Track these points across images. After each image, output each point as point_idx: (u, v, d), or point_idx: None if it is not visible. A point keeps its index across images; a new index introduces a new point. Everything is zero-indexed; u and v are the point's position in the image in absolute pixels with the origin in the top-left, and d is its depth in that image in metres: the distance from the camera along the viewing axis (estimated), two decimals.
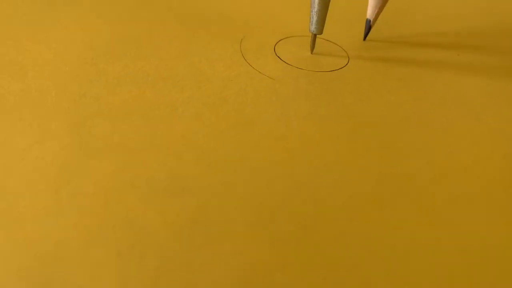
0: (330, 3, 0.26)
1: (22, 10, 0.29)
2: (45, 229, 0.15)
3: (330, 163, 0.19)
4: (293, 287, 0.14)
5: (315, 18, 0.26)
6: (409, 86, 0.26)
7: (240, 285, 0.14)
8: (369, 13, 0.29)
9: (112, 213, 0.16)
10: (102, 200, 0.16)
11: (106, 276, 0.14)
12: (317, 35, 0.27)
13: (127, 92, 0.22)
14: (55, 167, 0.17)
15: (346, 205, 0.17)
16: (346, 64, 0.27)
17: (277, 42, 0.29)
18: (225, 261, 0.15)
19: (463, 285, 0.15)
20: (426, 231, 0.17)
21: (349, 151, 0.20)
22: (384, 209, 0.18)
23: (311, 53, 0.28)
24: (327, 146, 0.20)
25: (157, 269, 0.14)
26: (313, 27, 0.26)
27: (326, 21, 0.26)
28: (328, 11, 0.26)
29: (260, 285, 0.14)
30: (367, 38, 0.30)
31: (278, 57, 0.27)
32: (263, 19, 0.32)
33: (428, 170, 0.20)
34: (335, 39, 0.30)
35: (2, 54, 0.24)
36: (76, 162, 0.18)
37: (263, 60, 0.26)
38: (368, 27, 0.29)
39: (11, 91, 0.21)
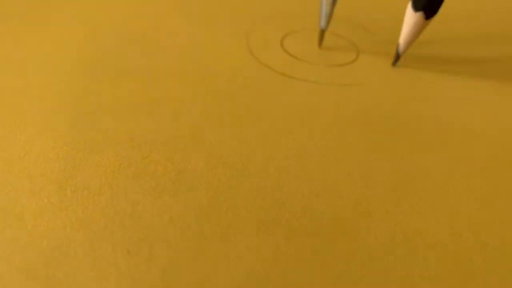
0: None
1: (21, 5, 0.29)
2: (49, 225, 0.14)
3: (341, 157, 0.19)
4: (308, 284, 0.14)
5: (324, 12, 0.25)
6: (420, 80, 0.25)
7: (252, 284, 0.14)
8: (401, 39, 0.26)
9: (118, 209, 0.15)
10: (108, 196, 0.16)
11: (113, 274, 0.13)
12: (325, 29, 0.26)
13: (131, 87, 0.22)
14: (58, 162, 0.17)
15: (360, 200, 0.17)
16: (356, 59, 0.26)
17: (284, 36, 0.28)
18: (235, 258, 0.14)
19: (480, 280, 0.14)
20: (443, 226, 0.16)
21: (361, 145, 0.19)
22: (399, 203, 0.17)
23: (319, 47, 0.27)
24: (338, 140, 0.20)
25: (166, 267, 0.14)
26: (322, 22, 0.26)
27: (333, 15, 0.26)
28: (336, 4, 0.25)
29: (273, 283, 0.14)
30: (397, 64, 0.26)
31: (286, 51, 0.26)
32: (269, 13, 0.31)
33: (443, 165, 0.19)
34: (343, 33, 0.29)
35: (1, 50, 0.24)
36: (80, 157, 0.17)
37: (270, 54, 0.26)
38: (397, 53, 0.26)
39: (11, 87, 0.21)
